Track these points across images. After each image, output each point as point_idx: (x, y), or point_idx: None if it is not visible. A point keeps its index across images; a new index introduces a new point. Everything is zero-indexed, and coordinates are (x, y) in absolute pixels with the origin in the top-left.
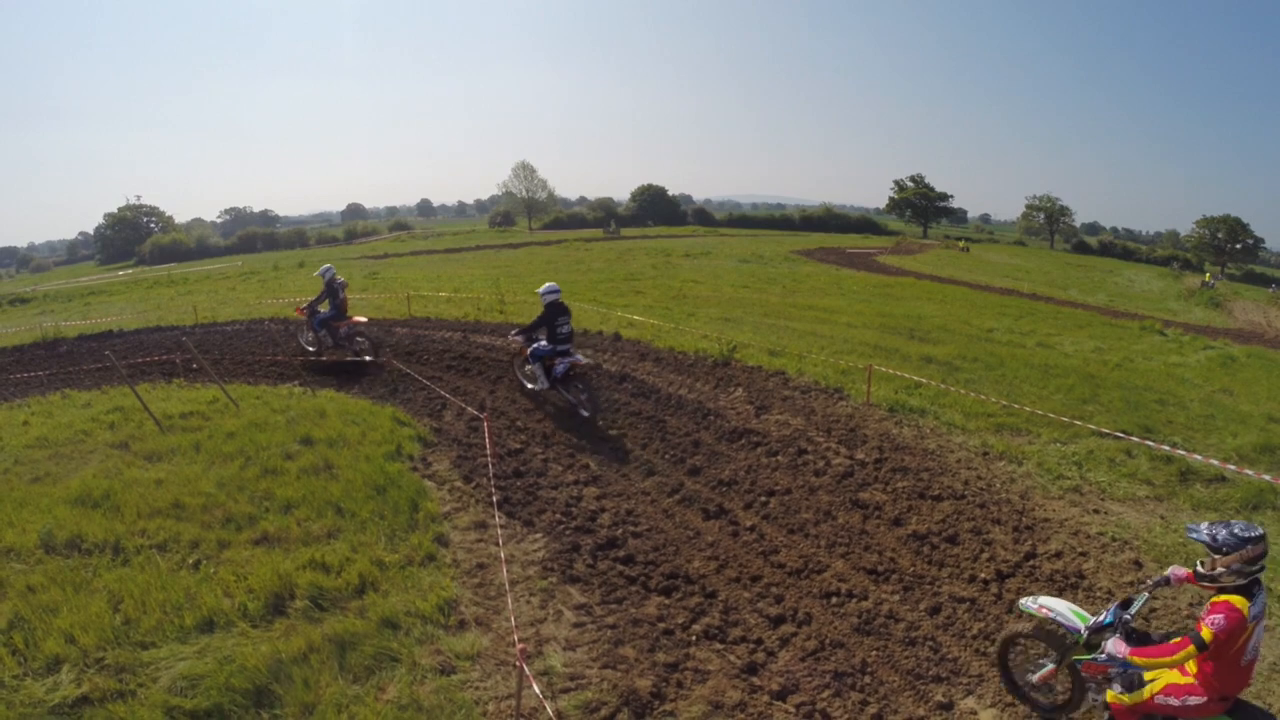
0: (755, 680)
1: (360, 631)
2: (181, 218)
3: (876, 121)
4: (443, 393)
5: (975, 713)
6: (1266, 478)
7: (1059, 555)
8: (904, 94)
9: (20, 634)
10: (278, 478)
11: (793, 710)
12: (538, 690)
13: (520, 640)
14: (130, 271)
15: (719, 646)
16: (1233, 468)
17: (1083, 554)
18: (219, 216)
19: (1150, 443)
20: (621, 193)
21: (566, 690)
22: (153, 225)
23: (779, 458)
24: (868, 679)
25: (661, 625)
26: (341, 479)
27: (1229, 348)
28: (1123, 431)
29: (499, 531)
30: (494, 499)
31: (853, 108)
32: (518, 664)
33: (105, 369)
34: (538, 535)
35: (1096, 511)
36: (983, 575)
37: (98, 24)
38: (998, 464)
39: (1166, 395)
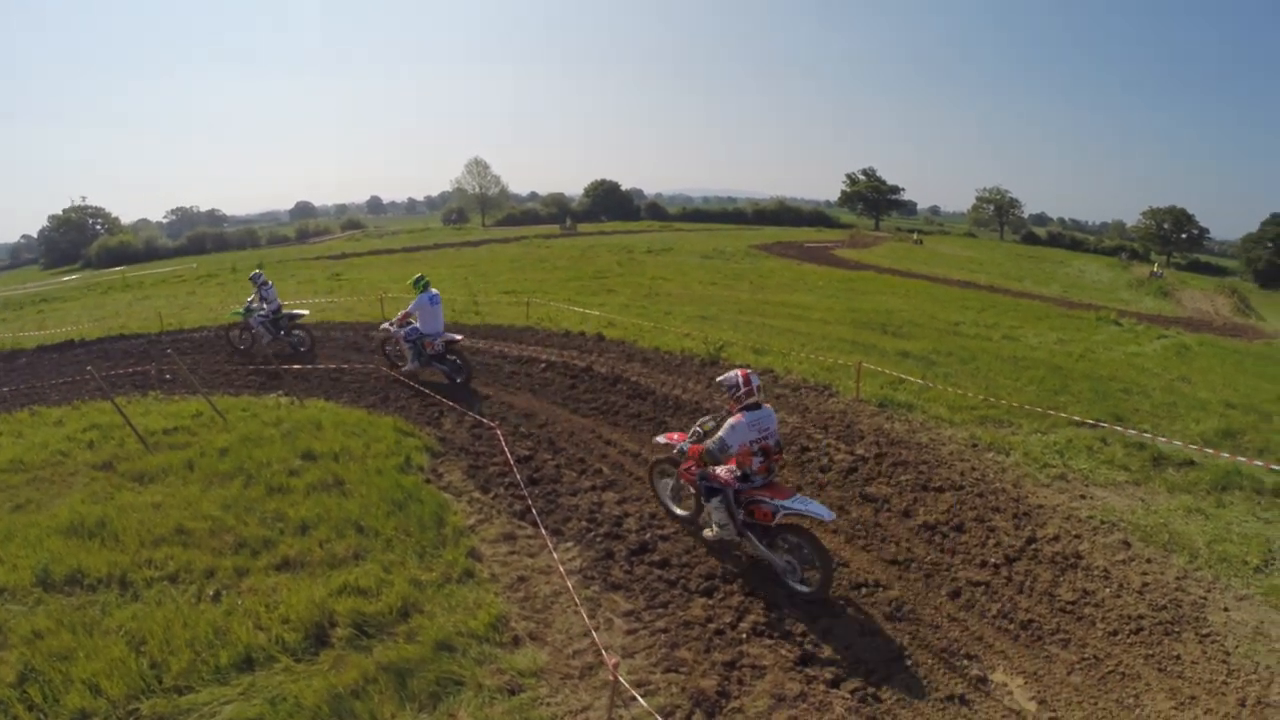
0: (809, 671)
1: (415, 657)
2: (127, 218)
3: (825, 115)
4: (443, 399)
5: (1006, 684)
6: (1241, 459)
7: (1056, 539)
8: (853, 87)
9: (35, 687)
10: (286, 496)
11: (849, 696)
12: (644, 702)
13: (577, 651)
14: (79, 275)
15: (769, 642)
16: (1210, 450)
17: (1077, 537)
18: (165, 217)
19: (1123, 430)
20: (573, 188)
21: (635, 698)
22: (99, 227)
23: (784, 455)
24: (908, 661)
25: (711, 626)
26: (356, 495)
27: (1181, 336)
28: (1096, 420)
29: (534, 542)
30: (532, 509)
31: (801, 101)
32: (611, 677)
33: (74, 382)
34: (569, 544)
35: (1083, 497)
36: (992, 560)
37: (33, 21)
38: (987, 455)
39: (1130, 384)
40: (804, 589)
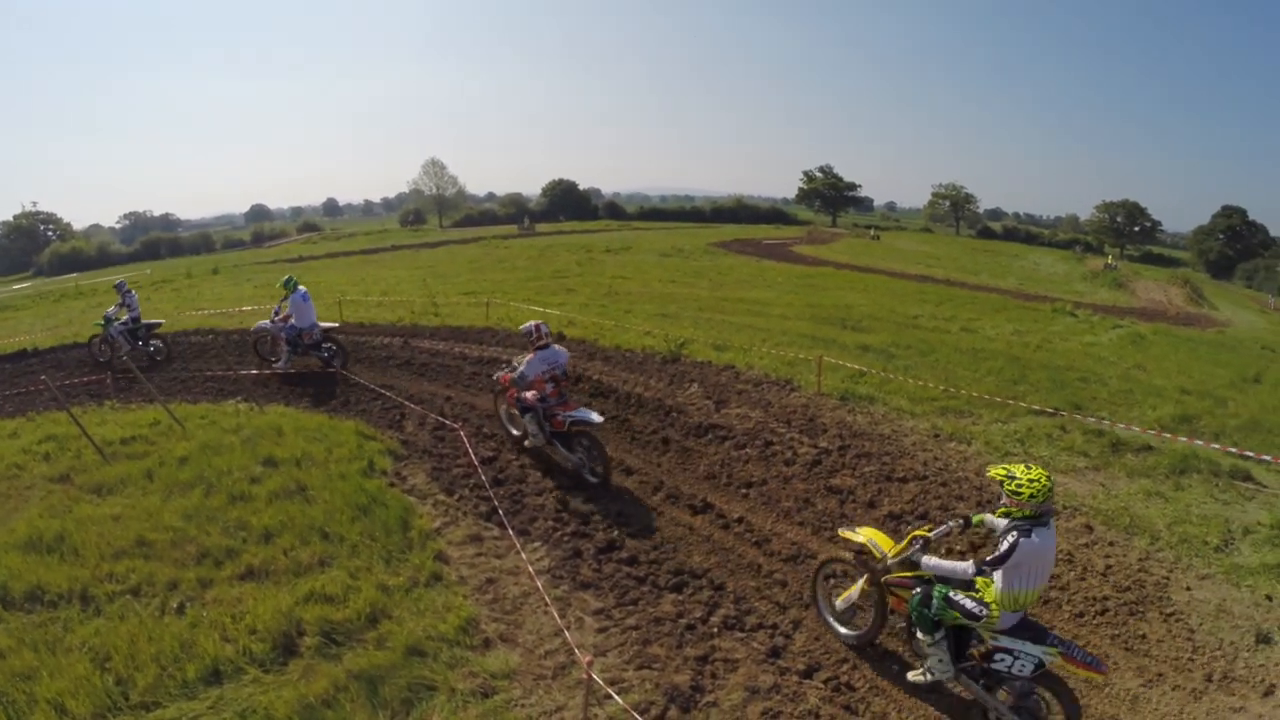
0: (781, 663)
1: (386, 663)
2: (79, 224)
3: (782, 112)
4: (404, 401)
5: None
6: (1199, 443)
7: None
8: (809, 84)
9: None
10: (248, 504)
11: (822, 686)
12: (619, 699)
13: (549, 651)
14: (31, 284)
15: (740, 635)
16: (1167, 435)
17: None
18: (118, 222)
19: (1082, 417)
20: (530, 187)
21: (610, 696)
22: (51, 233)
23: (748, 450)
24: (880, 650)
25: (682, 621)
26: (319, 501)
27: (1136, 326)
28: (1055, 409)
29: (502, 543)
30: (498, 510)
31: (757, 99)
32: (585, 675)
33: (28, 393)
34: (536, 544)
35: None
36: (958, 548)
37: None
38: (949, 445)
39: (1087, 373)
40: (593, 479)
